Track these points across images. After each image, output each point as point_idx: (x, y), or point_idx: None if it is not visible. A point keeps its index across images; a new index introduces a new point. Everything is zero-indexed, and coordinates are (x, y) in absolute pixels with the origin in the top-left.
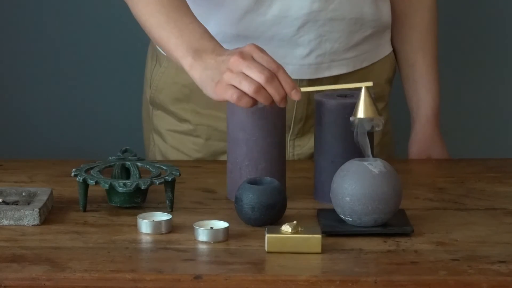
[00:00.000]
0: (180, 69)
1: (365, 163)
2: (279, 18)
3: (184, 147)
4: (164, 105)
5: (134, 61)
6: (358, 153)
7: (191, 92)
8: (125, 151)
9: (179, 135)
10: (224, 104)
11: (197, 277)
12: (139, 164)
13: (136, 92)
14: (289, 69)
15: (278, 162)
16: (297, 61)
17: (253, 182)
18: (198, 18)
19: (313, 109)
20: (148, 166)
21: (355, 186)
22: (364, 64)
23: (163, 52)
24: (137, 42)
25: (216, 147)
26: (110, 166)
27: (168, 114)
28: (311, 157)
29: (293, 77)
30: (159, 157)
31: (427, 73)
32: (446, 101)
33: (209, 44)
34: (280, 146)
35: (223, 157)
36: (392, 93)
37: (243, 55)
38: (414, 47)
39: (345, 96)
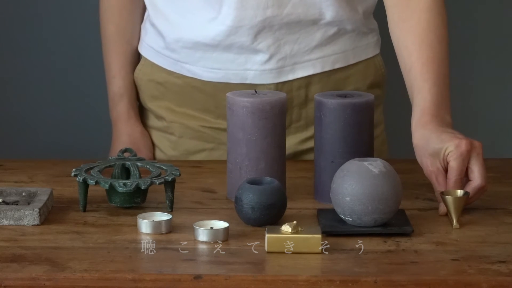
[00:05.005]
0: (155, 67)
1: (365, 163)
2: (235, 28)
3: (161, 144)
4: (143, 102)
5: None
6: (358, 153)
7: (166, 90)
8: (125, 151)
9: (157, 132)
10: (196, 102)
11: (197, 277)
12: (139, 164)
13: None
14: (250, 74)
15: (278, 162)
16: (258, 66)
17: (253, 182)
18: (163, 23)
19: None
20: (148, 166)
21: (355, 186)
22: (337, 66)
23: (140, 51)
24: None
25: (188, 145)
26: (110, 166)
27: (148, 110)
28: (289, 158)
29: (256, 81)
30: None
31: (421, 74)
32: None
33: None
34: (280, 146)
35: (196, 156)
36: (384, 96)
37: None
38: (409, 50)
39: (345, 96)
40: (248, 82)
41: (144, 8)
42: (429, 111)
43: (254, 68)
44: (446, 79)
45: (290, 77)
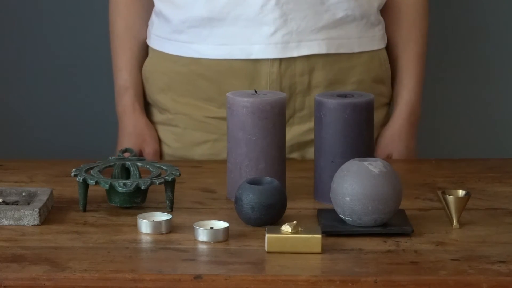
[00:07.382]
0: (162, 57)
1: (365, 163)
2: None
3: (165, 137)
4: (150, 94)
5: None
6: (358, 153)
7: (170, 80)
8: (125, 151)
9: (161, 126)
10: (200, 91)
11: (197, 277)
12: (139, 164)
13: None
14: (255, 48)
15: (278, 162)
16: (263, 40)
17: (253, 182)
18: (169, 7)
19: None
20: (148, 166)
21: (355, 186)
22: (341, 51)
23: (148, 44)
24: None
25: (193, 136)
26: (110, 166)
27: (153, 105)
28: (293, 150)
29: (261, 56)
30: None
31: (407, 68)
32: (446, 100)
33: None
34: (280, 146)
35: (200, 147)
36: (391, 95)
37: None
38: (398, 42)
39: (345, 96)
40: (253, 57)
41: (151, 4)
42: (413, 112)
43: (260, 41)
44: (424, 71)
45: (295, 53)
